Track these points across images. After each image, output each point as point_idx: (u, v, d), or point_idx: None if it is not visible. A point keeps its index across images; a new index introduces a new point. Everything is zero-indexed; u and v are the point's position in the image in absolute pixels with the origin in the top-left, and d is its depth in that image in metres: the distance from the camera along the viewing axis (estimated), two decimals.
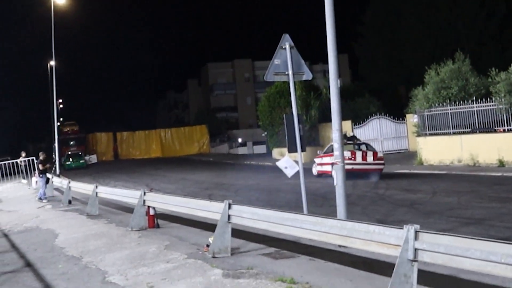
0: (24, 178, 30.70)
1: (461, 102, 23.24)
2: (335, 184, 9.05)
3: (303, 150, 10.37)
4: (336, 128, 8.99)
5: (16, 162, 30.98)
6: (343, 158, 9.15)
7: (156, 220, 12.10)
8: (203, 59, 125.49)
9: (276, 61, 10.22)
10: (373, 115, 33.19)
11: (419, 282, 5.48)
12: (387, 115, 33.14)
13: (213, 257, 8.43)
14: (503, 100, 21.06)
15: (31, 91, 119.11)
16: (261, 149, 48.73)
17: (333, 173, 9.97)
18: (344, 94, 24.89)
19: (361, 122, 32.95)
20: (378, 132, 32.87)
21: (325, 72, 51.93)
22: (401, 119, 32.81)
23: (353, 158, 19.97)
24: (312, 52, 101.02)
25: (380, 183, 18.55)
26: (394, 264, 5.41)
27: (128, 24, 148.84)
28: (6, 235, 12.92)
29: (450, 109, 23.65)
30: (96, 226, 12.97)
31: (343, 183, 8.88)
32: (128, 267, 8.30)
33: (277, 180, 21.83)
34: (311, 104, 34.93)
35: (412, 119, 28.05)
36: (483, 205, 12.54)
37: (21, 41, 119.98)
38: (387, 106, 34.88)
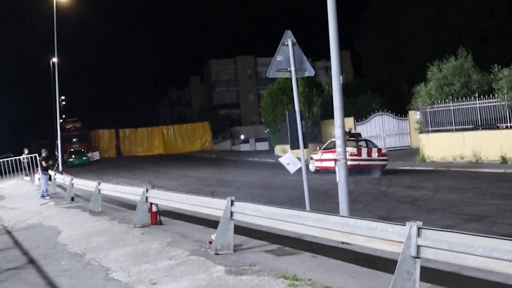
0: (26, 175, 30.73)
1: (464, 98, 23.20)
2: (337, 180, 9.05)
3: (305, 146, 10.37)
4: (339, 124, 8.98)
5: (19, 159, 30.99)
6: (346, 154, 9.14)
7: (159, 217, 12.11)
8: (205, 56, 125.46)
9: (279, 57, 10.20)
10: (376, 111, 33.16)
11: (421, 279, 5.47)
12: (390, 111, 33.11)
13: (216, 254, 8.44)
14: (505, 96, 21.01)
15: (34, 88, 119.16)
16: (263, 146, 48.79)
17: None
18: (346, 90, 24.89)
19: (364, 119, 32.94)
20: (381, 128, 32.86)
21: (328, 69, 51.86)
22: (403, 115, 32.77)
23: (358, 154, 20.49)
24: (315, 48, 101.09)
25: (382, 180, 18.54)
26: (397, 261, 5.41)
27: (131, 22, 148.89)
28: (9, 232, 12.96)
29: (453, 106, 23.61)
30: (99, 223, 13.00)
31: (345, 180, 8.87)
32: (130, 263, 8.31)
33: (279, 177, 21.84)
34: (314, 101, 34.91)
35: (414, 115, 28.02)
36: (485, 202, 12.52)
37: (23, 38, 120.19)
38: (389, 102, 34.85)
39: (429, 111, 24.90)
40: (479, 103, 22.53)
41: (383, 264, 7.05)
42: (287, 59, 10.15)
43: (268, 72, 10.38)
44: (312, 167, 23.03)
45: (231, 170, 29.71)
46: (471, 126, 22.94)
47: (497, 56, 34.14)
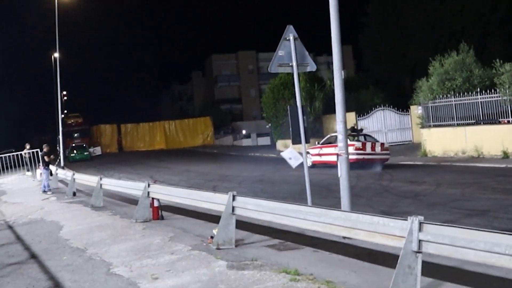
0: (28, 170, 30.80)
1: (465, 93, 23.17)
2: (339, 175, 9.04)
3: (307, 141, 10.37)
4: (340, 119, 8.96)
5: (21, 154, 31.05)
6: (347, 149, 9.13)
7: (161, 211, 12.13)
8: (207, 51, 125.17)
9: (280, 52, 10.19)
10: (377, 106, 33.16)
11: (423, 274, 5.48)
12: (391, 106, 33.10)
13: (218, 248, 8.45)
14: (507, 91, 20.99)
15: (36, 83, 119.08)
16: (265, 140, 48.81)
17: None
18: (348, 85, 24.88)
19: (365, 113, 32.94)
20: (382, 123, 32.86)
21: (329, 64, 51.83)
22: (405, 110, 32.75)
23: (363, 148, 20.93)
24: (316, 43, 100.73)
25: (384, 175, 18.55)
26: (398, 256, 5.42)
27: (133, 16, 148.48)
28: (11, 227, 12.98)
29: (454, 101, 23.58)
30: (101, 218, 13.01)
31: (347, 175, 8.86)
32: (132, 258, 8.33)
33: (281, 171, 21.85)
34: (315, 96, 34.90)
35: (416, 110, 28.01)
36: (487, 197, 12.51)
37: (25, 33, 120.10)
38: (391, 97, 34.82)
39: (431, 106, 24.88)
40: (480, 98, 22.50)
41: (385, 258, 7.05)
42: (289, 54, 10.14)
43: (270, 67, 10.36)
44: (308, 162, 23.12)
45: (233, 165, 29.71)
46: (472, 121, 22.92)
47: (499, 51, 34.05)
